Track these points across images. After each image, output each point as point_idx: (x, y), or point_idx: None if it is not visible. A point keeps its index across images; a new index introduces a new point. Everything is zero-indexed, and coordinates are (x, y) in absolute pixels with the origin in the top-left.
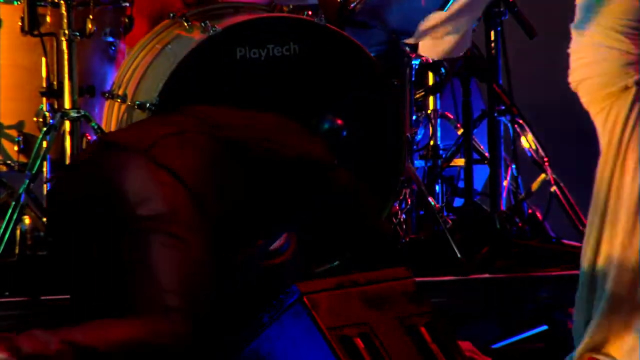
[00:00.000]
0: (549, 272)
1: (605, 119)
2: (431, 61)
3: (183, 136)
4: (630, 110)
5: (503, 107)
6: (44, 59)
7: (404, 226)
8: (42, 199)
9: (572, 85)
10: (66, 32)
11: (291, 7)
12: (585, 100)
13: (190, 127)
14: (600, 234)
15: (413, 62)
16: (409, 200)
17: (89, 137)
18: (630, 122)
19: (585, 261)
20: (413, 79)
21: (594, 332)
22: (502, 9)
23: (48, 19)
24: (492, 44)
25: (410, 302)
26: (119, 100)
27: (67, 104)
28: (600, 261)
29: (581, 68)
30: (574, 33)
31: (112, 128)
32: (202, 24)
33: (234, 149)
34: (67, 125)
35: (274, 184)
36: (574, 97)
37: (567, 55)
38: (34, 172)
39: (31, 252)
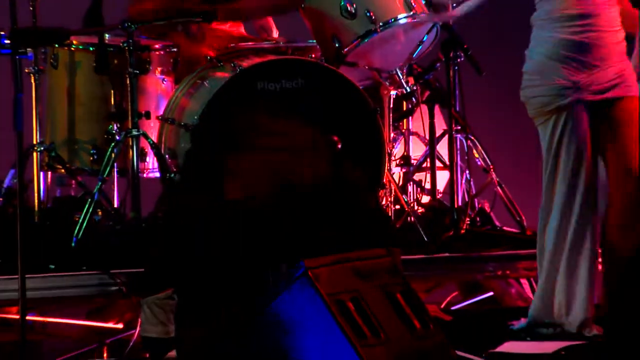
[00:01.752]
0: (494, 252)
1: (545, 129)
2: (405, 92)
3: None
4: (563, 126)
5: (459, 127)
6: (112, 91)
7: None
8: (112, 196)
9: (523, 99)
10: (129, 70)
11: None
12: (531, 112)
13: None
14: (546, 220)
15: (391, 93)
16: (388, 197)
17: (146, 150)
18: (563, 133)
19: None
20: (391, 106)
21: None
22: (458, 53)
23: (115, 61)
24: (451, 79)
25: (389, 274)
26: (168, 122)
27: (130, 125)
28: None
29: (531, 87)
30: (527, 58)
31: (163, 143)
32: (231, 64)
33: None
34: (129, 141)
35: None
36: (512, 120)
37: (509, 86)
38: (104, 176)
39: (103, 237)
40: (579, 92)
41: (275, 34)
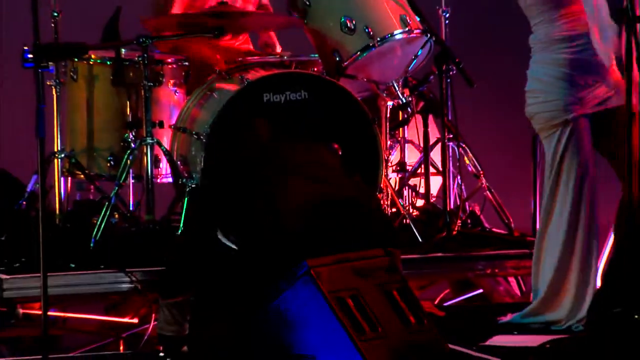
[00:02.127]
0: (483, 252)
1: (551, 141)
2: (401, 103)
3: None
4: (569, 137)
5: (451, 135)
6: (128, 102)
7: None
8: (128, 200)
9: (528, 115)
10: (144, 82)
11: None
12: (537, 127)
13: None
14: (546, 224)
15: (388, 104)
16: (385, 201)
17: (159, 157)
18: (568, 143)
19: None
20: (388, 115)
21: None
22: (450, 66)
23: (131, 74)
24: (444, 91)
25: (386, 273)
26: (181, 131)
27: (144, 134)
28: (545, 244)
29: (536, 104)
30: (531, 78)
31: (176, 151)
32: (239, 77)
33: None
34: (144, 148)
35: None
36: (501, 129)
37: (498, 97)
38: (120, 181)
39: (119, 238)
40: (583, 107)
41: (279, 49)
